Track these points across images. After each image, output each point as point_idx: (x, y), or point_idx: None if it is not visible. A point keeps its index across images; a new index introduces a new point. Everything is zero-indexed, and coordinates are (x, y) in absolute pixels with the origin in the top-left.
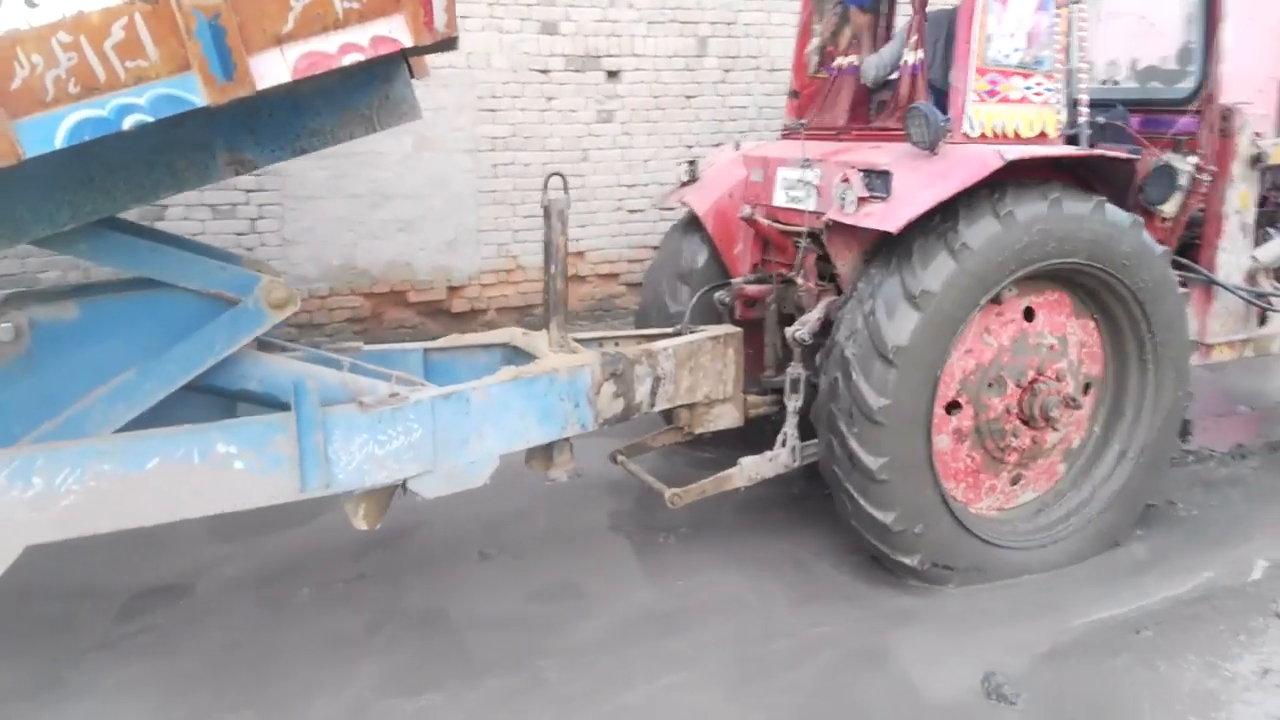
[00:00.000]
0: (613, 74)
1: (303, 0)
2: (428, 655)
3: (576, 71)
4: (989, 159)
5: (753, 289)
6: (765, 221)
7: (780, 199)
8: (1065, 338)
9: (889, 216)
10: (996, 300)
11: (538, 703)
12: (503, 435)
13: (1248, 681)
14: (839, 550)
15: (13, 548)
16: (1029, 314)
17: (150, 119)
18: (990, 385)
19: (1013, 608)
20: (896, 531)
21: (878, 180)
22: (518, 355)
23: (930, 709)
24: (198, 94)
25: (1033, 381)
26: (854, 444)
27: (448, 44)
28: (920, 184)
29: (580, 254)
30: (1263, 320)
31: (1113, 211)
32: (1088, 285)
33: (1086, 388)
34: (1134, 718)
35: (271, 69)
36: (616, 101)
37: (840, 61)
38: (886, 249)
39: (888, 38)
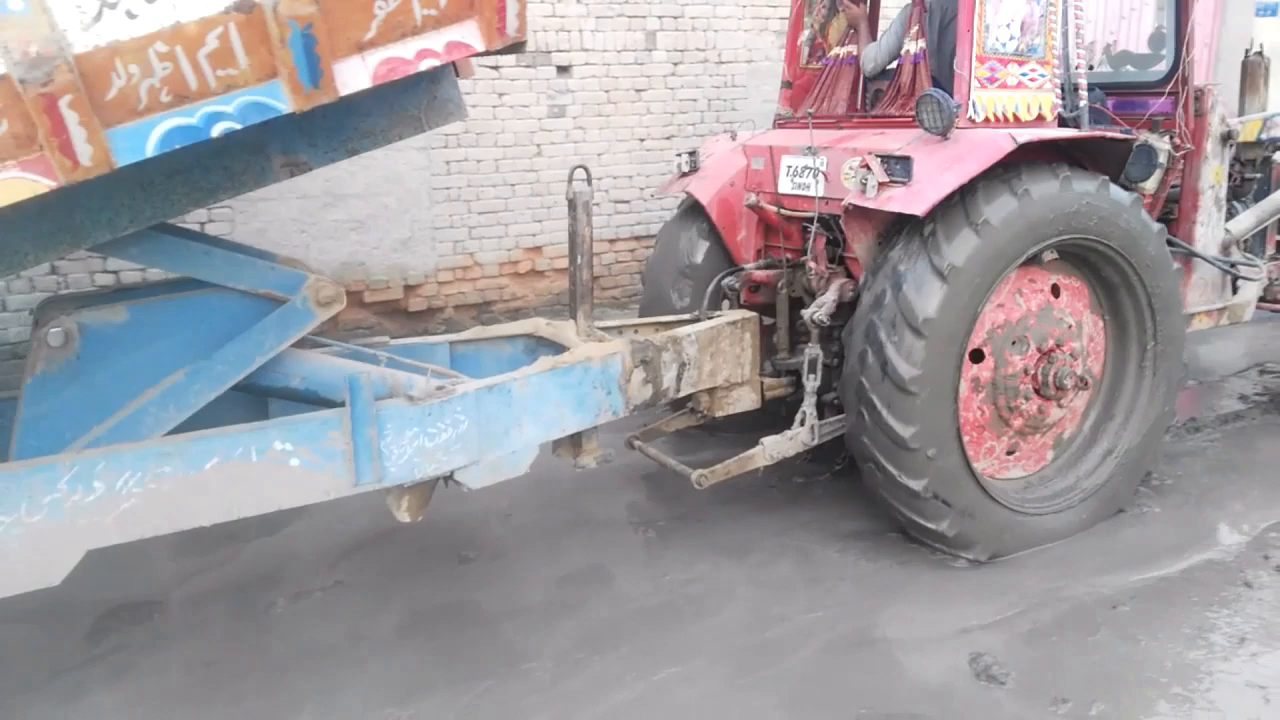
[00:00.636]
0: (563, 69)
1: (386, 8)
2: (415, 661)
3: (527, 67)
4: (1001, 142)
5: (761, 274)
6: (771, 208)
7: (786, 186)
8: (1081, 324)
9: (914, 199)
10: (1037, 260)
11: (533, 703)
12: (541, 424)
13: (1226, 651)
14: (827, 536)
15: (74, 553)
16: (1055, 291)
17: (238, 126)
18: (1014, 343)
19: (992, 588)
20: (926, 499)
21: (898, 165)
22: (540, 345)
23: (922, 690)
24: (284, 101)
25: (1051, 350)
26: (886, 413)
27: (516, 47)
28: (940, 167)
29: (538, 249)
30: (1235, 289)
31: (1115, 190)
32: (1101, 273)
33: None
34: (1120, 692)
35: (353, 76)
36: (568, 96)
37: (837, 52)
38: (908, 230)
39: (874, 28)
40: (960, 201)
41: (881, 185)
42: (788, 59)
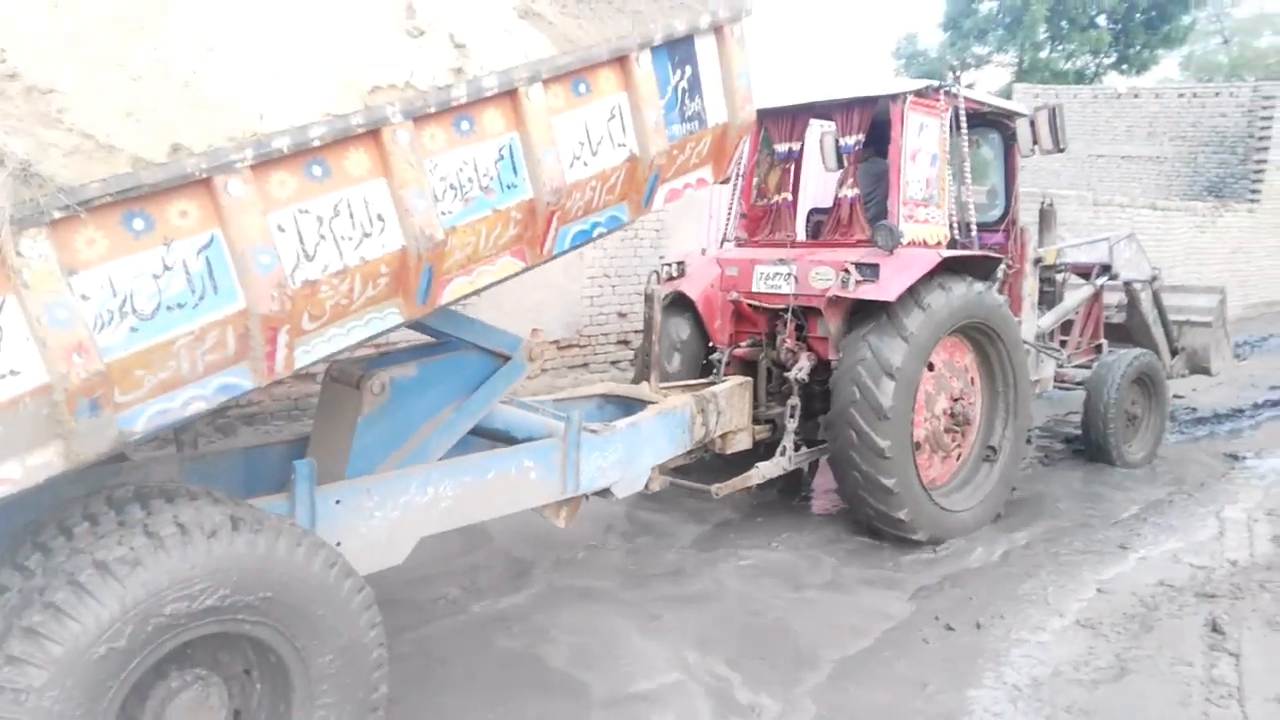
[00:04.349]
0: None
1: (682, 157)
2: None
3: None
4: (933, 257)
5: (740, 352)
6: (748, 302)
7: (760, 286)
8: (973, 381)
9: (885, 291)
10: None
11: None
12: (652, 452)
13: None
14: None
15: (413, 540)
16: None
17: (605, 231)
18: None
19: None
20: (896, 493)
21: (868, 269)
22: (608, 402)
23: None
24: (626, 215)
25: (958, 398)
26: (870, 432)
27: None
28: (897, 271)
29: None
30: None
31: (992, 292)
32: (980, 341)
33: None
34: (1039, 604)
35: (659, 198)
36: None
37: (779, 198)
38: (870, 314)
39: (798, 179)
40: (909, 294)
41: (858, 282)
42: (744, 198)
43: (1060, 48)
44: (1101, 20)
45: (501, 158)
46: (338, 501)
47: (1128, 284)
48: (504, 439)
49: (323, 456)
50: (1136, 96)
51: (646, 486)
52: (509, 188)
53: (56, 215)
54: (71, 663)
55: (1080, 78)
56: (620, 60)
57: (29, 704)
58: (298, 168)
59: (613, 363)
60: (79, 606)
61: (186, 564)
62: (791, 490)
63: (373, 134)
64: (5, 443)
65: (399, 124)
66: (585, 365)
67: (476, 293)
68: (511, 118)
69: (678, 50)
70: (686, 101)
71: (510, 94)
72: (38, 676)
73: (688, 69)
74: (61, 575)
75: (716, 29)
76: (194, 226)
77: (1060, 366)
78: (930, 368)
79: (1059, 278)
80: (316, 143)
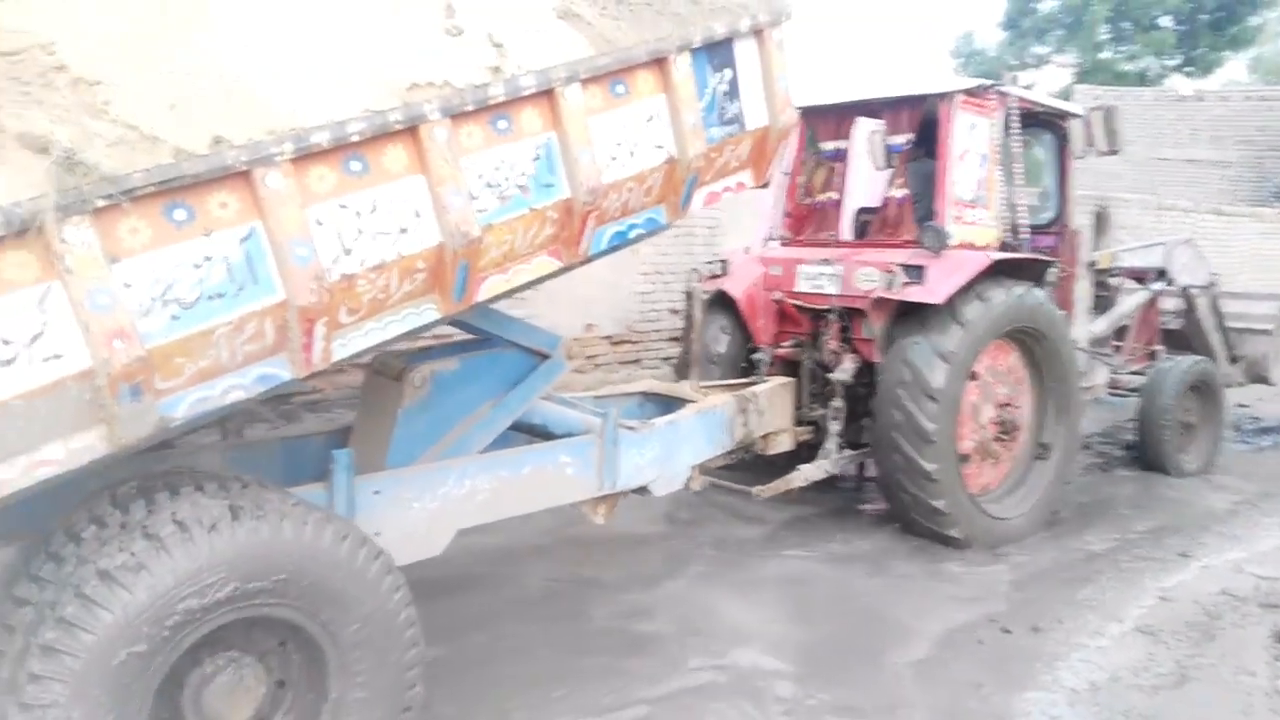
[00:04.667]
0: None
1: (720, 159)
2: None
3: None
4: (982, 259)
5: (783, 352)
6: (791, 302)
7: (803, 286)
8: (1021, 386)
9: (932, 292)
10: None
11: None
12: (691, 451)
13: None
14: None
15: (451, 532)
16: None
17: (644, 232)
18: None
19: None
20: (947, 514)
21: (914, 271)
22: (648, 400)
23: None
24: (663, 218)
25: (1006, 403)
26: (916, 456)
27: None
28: (945, 273)
29: None
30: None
31: (1039, 292)
32: (1024, 340)
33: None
34: (1098, 609)
35: (698, 200)
36: None
37: (822, 197)
38: (916, 316)
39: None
40: (954, 301)
41: (904, 284)
42: (789, 196)
43: (1122, 49)
44: (1166, 21)
45: (538, 157)
46: (376, 492)
47: (1185, 289)
48: (542, 434)
49: (364, 447)
50: (1201, 99)
51: (686, 485)
52: (545, 187)
53: (100, 204)
54: (93, 673)
55: (1143, 79)
56: (659, 62)
57: (56, 719)
58: (336, 162)
59: (664, 359)
60: (90, 619)
61: (190, 561)
62: (845, 490)
63: (411, 131)
64: (48, 425)
65: (437, 121)
66: (637, 361)
67: (512, 291)
68: (549, 117)
69: (717, 53)
70: (725, 104)
71: (548, 93)
72: (62, 692)
73: (727, 72)
74: (70, 588)
75: (757, 32)
76: (234, 218)
77: (1114, 373)
78: (973, 377)
79: (1113, 282)
80: (355, 138)
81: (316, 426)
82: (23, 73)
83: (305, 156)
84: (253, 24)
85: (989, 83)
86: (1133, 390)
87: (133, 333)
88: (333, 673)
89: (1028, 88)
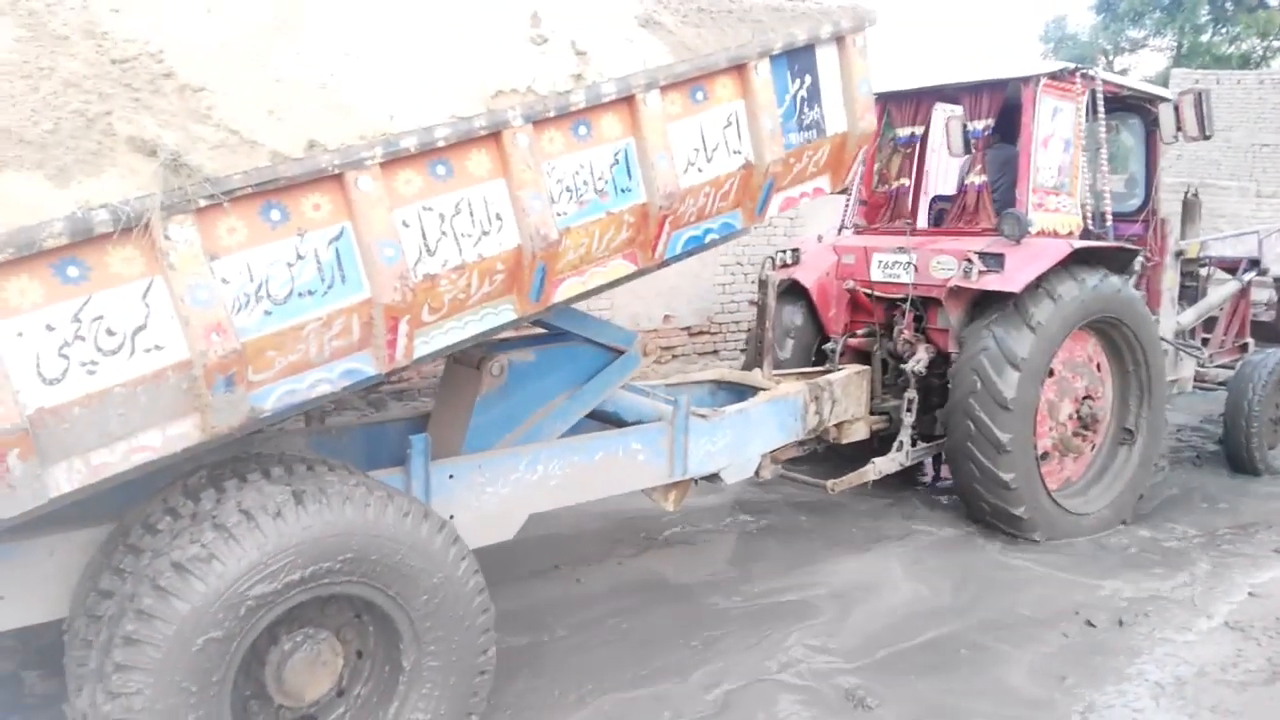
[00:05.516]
0: None
1: (799, 165)
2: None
3: None
4: (1063, 248)
5: (855, 341)
6: (864, 291)
7: (877, 274)
8: (1102, 378)
9: (1010, 281)
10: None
11: None
12: (762, 440)
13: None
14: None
15: (522, 516)
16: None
17: (720, 238)
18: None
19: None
20: (1014, 489)
21: (992, 259)
22: (720, 388)
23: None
24: (739, 223)
25: (1086, 396)
26: (990, 423)
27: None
28: (1024, 261)
29: None
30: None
31: (1114, 279)
32: (1103, 328)
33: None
34: (1186, 604)
35: (774, 206)
36: None
37: (900, 184)
38: (994, 306)
39: (921, 166)
40: (1037, 284)
41: (981, 273)
42: (864, 184)
43: (1224, 30)
44: (1272, 0)
45: (616, 162)
46: (451, 476)
47: (1278, 280)
48: (614, 421)
49: (441, 433)
50: None
51: (757, 474)
52: (623, 191)
53: (202, 204)
54: (173, 660)
55: (1245, 62)
56: (738, 68)
57: (141, 705)
58: (423, 166)
59: (742, 350)
60: (167, 610)
61: (258, 548)
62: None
63: (494, 136)
64: (148, 412)
65: (519, 127)
66: (715, 352)
67: (588, 294)
68: (628, 123)
69: (797, 59)
70: (805, 110)
71: (627, 100)
72: (145, 679)
73: (807, 78)
74: (147, 581)
75: (838, 38)
76: (326, 219)
77: (1201, 366)
78: (1050, 374)
79: (1203, 272)
80: (441, 143)
81: (395, 414)
82: (133, 79)
83: (394, 160)
84: (346, 33)
85: (1072, 66)
86: (1221, 384)
87: (229, 327)
88: (406, 643)
89: (1121, 73)
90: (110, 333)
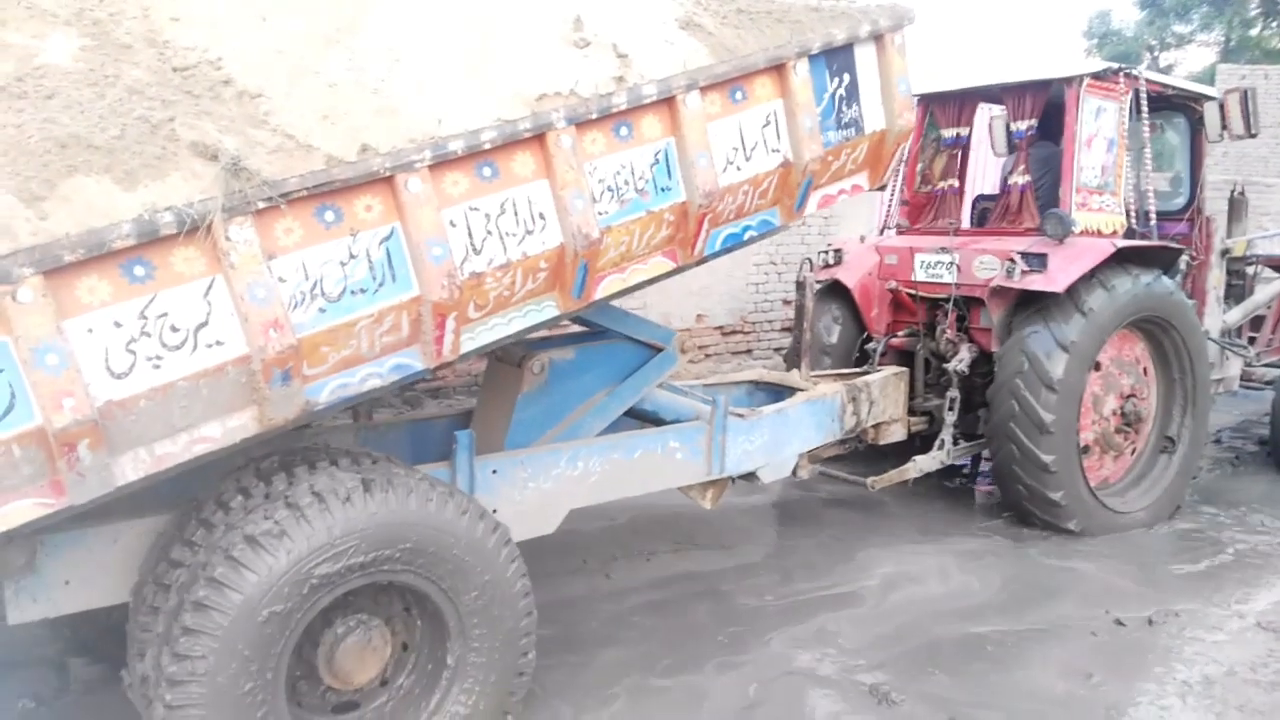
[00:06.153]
0: None
1: (836, 163)
2: None
3: None
4: (1106, 247)
5: (897, 341)
6: (907, 291)
7: (920, 275)
8: (1147, 377)
9: (1053, 281)
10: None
11: None
12: (799, 440)
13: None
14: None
15: (563, 511)
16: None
17: (758, 235)
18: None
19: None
20: (1063, 506)
21: (1035, 259)
22: (758, 389)
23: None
24: (777, 220)
25: (1130, 394)
26: (1033, 447)
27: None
28: (1067, 261)
29: None
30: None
31: (1167, 280)
32: (1152, 331)
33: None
34: (1217, 604)
35: (812, 203)
36: None
37: (943, 185)
38: (1037, 306)
39: (964, 166)
40: (1091, 275)
41: (1024, 273)
42: (907, 184)
43: (1274, 24)
44: None
45: (657, 161)
46: (494, 471)
47: None
48: (653, 420)
49: (484, 430)
50: None
51: (794, 473)
52: (663, 190)
53: (260, 205)
54: (239, 628)
55: None
56: (777, 68)
57: (206, 669)
58: (470, 168)
59: (776, 349)
60: (238, 579)
61: (326, 529)
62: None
63: (538, 138)
64: (209, 405)
65: (563, 129)
66: (749, 351)
67: (629, 290)
68: (668, 123)
69: (836, 58)
70: (843, 108)
71: (668, 101)
72: (211, 644)
73: (846, 76)
74: (219, 551)
75: (877, 37)
76: (377, 219)
77: (1248, 365)
78: (1097, 367)
79: (1249, 271)
80: (487, 145)
81: (439, 411)
82: (194, 87)
83: (442, 163)
84: (397, 40)
85: (1116, 65)
86: (1268, 383)
87: (285, 323)
88: (452, 638)
89: (1167, 69)
90: (174, 329)
